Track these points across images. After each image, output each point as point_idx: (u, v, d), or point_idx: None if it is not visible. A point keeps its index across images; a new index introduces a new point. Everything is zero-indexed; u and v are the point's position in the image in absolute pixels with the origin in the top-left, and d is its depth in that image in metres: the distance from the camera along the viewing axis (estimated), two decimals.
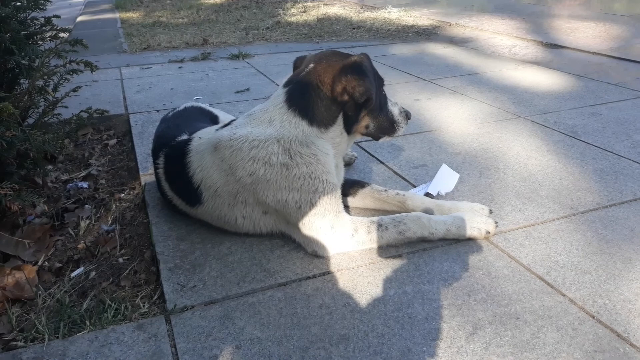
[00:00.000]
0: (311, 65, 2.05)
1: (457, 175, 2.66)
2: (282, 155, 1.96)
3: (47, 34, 2.55)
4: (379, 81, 2.16)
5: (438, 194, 2.52)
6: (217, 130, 2.16)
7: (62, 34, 2.56)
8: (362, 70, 1.98)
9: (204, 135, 2.20)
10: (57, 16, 2.61)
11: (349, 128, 2.09)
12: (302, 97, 2.01)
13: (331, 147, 2.07)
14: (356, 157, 2.94)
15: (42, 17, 2.54)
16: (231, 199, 2.08)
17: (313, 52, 2.20)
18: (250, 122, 2.07)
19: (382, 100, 2.18)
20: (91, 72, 2.50)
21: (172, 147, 2.28)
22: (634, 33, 5.92)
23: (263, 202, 2.04)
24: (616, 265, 1.98)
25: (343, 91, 1.97)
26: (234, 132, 2.06)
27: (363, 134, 2.21)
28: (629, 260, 2.01)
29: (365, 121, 2.13)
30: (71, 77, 2.89)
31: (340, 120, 2.06)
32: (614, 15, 7.05)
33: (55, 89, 2.61)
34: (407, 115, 2.29)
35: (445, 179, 2.61)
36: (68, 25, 8.27)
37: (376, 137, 2.24)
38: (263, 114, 2.06)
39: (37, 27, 2.54)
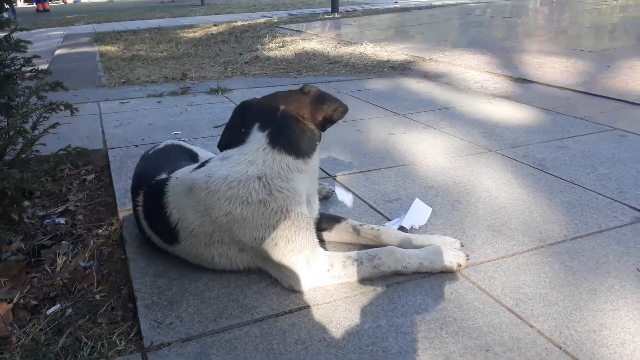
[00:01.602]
0: (282, 107, 2.17)
1: (430, 209, 2.74)
2: (262, 192, 2.03)
3: (27, 74, 2.59)
4: None
5: (412, 227, 2.59)
6: (192, 171, 2.21)
7: (41, 75, 2.60)
8: (328, 95, 2.26)
9: (180, 175, 2.25)
10: (37, 56, 2.66)
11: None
12: (286, 135, 2.13)
13: (308, 180, 2.18)
14: (333, 191, 3.00)
15: (22, 57, 2.58)
16: (207, 239, 2.12)
17: (261, 96, 2.35)
18: (228, 164, 2.12)
19: None
20: (71, 114, 2.54)
21: (151, 186, 2.32)
22: (598, 68, 6.17)
23: (239, 241, 2.08)
24: (582, 296, 2.06)
25: (324, 118, 2.20)
26: (210, 173, 2.11)
27: None
28: (594, 292, 2.09)
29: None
30: (50, 115, 2.92)
31: (319, 146, 2.23)
32: (579, 51, 7.33)
33: (34, 127, 2.64)
34: None
35: (419, 213, 2.68)
36: (46, 59, 8.31)
37: None
38: (242, 157, 2.12)
39: (16, 68, 2.58)
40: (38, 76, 2.57)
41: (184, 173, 2.25)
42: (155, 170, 2.39)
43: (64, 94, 5.35)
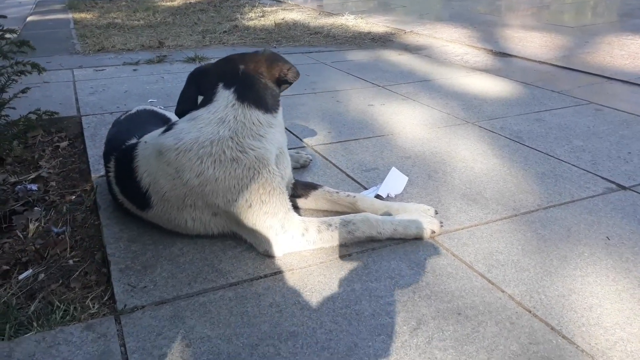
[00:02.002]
0: (241, 67, 2.19)
1: (406, 178, 2.74)
2: (235, 150, 2.03)
3: None
4: None
5: (388, 195, 2.60)
6: (160, 135, 2.18)
7: (8, 35, 2.51)
8: (281, 56, 2.28)
9: (150, 139, 2.22)
10: (3, 16, 2.56)
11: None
12: (252, 91, 2.14)
13: (279, 134, 2.22)
14: (311, 160, 2.99)
15: None
16: (179, 203, 2.10)
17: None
18: (197, 124, 2.10)
19: None
20: (39, 74, 2.46)
21: (121, 151, 2.28)
22: (577, 43, 6.21)
23: (212, 204, 2.07)
24: (552, 262, 2.10)
25: (279, 76, 2.22)
26: (180, 136, 2.08)
27: None
28: (565, 258, 2.13)
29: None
30: (20, 78, 2.84)
31: (281, 103, 2.27)
32: (560, 26, 7.36)
33: (1, 90, 2.55)
34: None
35: (395, 182, 2.69)
36: (17, 25, 8.06)
37: None
38: (212, 115, 2.10)
39: None
40: (4, 37, 2.48)
41: (153, 137, 2.22)
42: (126, 135, 2.35)
43: (36, 61, 5.21)
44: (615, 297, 1.89)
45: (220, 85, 2.15)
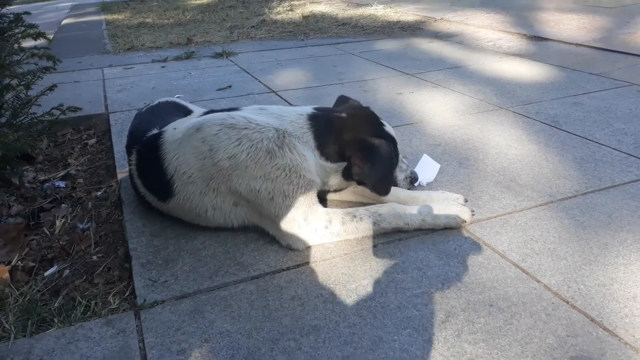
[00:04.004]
0: (344, 115, 2.15)
1: (438, 166, 2.64)
2: (273, 142, 1.97)
3: (17, 30, 2.51)
4: (395, 159, 2.21)
5: (419, 184, 2.50)
6: (202, 115, 2.18)
7: (31, 30, 2.52)
8: (372, 156, 2.04)
9: (180, 124, 2.18)
10: (28, 12, 2.58)
11: (346, 176, 2.17)
12: (324, 128, 2.09)
13: (320, 174, 2.11)
14: None
15: (10, 13, 2.50)
16: (204, 186, 2.04)
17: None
18: (260, 112, 2.11)
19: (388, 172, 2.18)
20: (53, 64, 2.45)
21: (143, 142, 2.25)
22: (617, 24, 5.93)
23: (235, 191, 2.01)
24: (592, 250, 1.97)
25: (349, 157, 2.09)
26: (232, 115, 2.07)
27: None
28: (605, 246, 2.00)
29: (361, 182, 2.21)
30: (47, 76, 2.85)
31: (341, 166, 2.13)
32: (599, 8, 7.06)
33: (27, 87, 2.57)
34: (411, 181, 2.39)
35: (427, 169, 2.59)
36: (53, 29, 8.23)
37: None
38: (278, 110, 2.11)
39: (5, 24, 2.50)
40: (27, 32, 2.49)
41: (187, 120, 2.21)
42: (147, 126, 2.31)
43: (68, 62, 5.31)
44: None
45: (315, 106, 2.20)
